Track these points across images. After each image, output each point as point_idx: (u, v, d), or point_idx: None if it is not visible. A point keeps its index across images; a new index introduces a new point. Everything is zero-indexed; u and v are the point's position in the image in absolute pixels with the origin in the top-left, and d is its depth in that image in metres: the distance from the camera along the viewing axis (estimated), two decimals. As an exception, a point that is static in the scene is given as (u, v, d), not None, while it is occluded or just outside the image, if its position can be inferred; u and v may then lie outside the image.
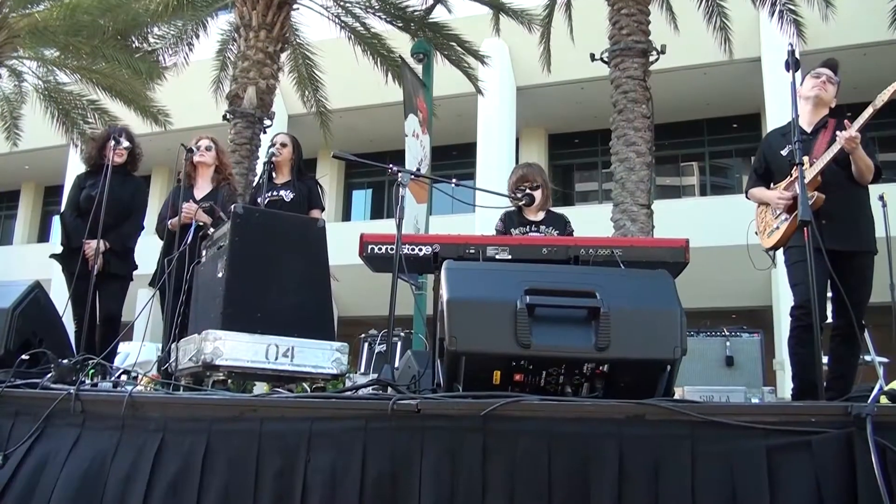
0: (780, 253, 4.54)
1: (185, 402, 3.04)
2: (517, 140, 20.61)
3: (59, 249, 5.58)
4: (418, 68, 10.98)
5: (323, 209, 5.70)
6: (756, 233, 4.64)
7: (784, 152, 4.42)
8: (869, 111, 4.10)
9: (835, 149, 4.13)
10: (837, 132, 4.15)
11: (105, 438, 2.94)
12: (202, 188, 5.58)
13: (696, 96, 18.93)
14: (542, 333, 2.68)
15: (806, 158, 4.15)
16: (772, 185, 4.57)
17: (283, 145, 5.67)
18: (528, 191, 4.87)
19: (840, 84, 4.55)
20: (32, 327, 4.16)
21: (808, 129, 4.42)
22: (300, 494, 2.54)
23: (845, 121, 4.17)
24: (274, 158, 5.53)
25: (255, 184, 5.86)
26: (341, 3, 13.70)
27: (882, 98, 4.06)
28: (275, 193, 5.50)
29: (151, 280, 5.21)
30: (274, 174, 5.59)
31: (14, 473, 3.02)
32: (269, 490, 2.57)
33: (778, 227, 4.39)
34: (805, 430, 2.25)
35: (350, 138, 18.61)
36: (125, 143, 5.51)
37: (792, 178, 4.26)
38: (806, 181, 3.73)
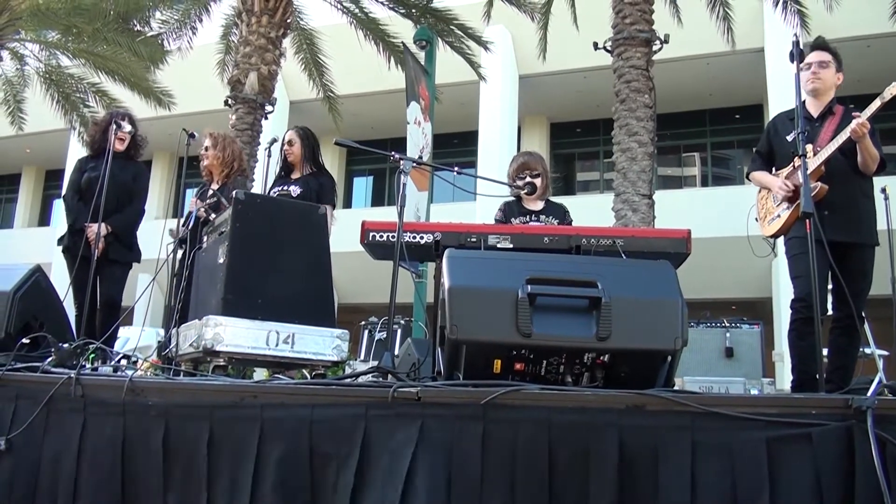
0: (779, 241, 4.50)
1: (186, 387, 3.03)
2: (519, 128, 20.59)
3: (60, 233, 5.60)
4: (421, 55, 10.93)
5: (333, 205, 5.57)
6: (756, 219, 4.58)
7: (789, 138, 4.30)
8: (877, 104, 4.05)
9: (841, 138, 4.07)
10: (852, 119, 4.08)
11: (109, 425, 2.94)
12: (217, 183, 5.59)
13: (698, 86, 18.91)
14: (543, 323, 2.68)
15: (810, 147, 4.11)
16: (774, 170, 4.51)
17: (290, 143, 5.61)
18: (528, 179, 4.84)
19: (840, 61, 4.41)
20: (33, 311, 4.14)
21: (815, 115, 4.36)
22: (308, 480, 2.55)
23: (854, 112, 4.12)
24: (289, 158, 5.60)
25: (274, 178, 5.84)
26: (344, -10, 13.66)
27: (891, 91, 4.02)
28: (284, 188, 5.50)
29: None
30: (291, 170, 5.63)
31: (23, 464, 3.02)
32: (272, 476, 2.57)
33: (779, 216, 4.33)
34: (805, 422, 2.25)
35: (352, 125, 18.53)
36: (127, 128, 5.56)
37: (795, 167, 4.23)
38: (809, 171, 3.66)
